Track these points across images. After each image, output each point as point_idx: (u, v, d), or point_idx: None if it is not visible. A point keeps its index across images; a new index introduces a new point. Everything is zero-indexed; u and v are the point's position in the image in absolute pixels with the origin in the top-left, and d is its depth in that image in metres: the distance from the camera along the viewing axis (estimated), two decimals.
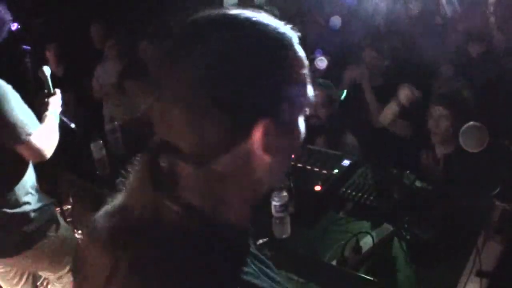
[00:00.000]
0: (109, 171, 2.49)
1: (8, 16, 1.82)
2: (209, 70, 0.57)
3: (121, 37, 3.96)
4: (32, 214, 1.92)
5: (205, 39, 0.59)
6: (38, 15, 4.35)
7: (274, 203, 1.82)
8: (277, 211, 1.84)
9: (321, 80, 2.87)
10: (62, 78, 4.01)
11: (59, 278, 2.17)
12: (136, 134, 3.01)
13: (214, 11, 0.63)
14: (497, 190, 2.09)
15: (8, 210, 1.86)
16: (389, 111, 2.85)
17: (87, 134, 2.54)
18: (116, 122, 2.71)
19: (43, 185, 2.09)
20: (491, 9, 3.79)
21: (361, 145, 2.82)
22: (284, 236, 1.87)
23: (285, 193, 1.83)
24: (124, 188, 0.67)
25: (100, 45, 4.28)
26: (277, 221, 1.86)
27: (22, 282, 2.13)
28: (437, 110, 2.40)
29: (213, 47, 0.58)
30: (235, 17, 0.62)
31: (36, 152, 1.78)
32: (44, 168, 2.08)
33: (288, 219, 1.88)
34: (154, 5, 4.69)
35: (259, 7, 0.70)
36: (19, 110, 1.72)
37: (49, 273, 2.15)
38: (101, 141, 2.48)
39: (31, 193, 1.94)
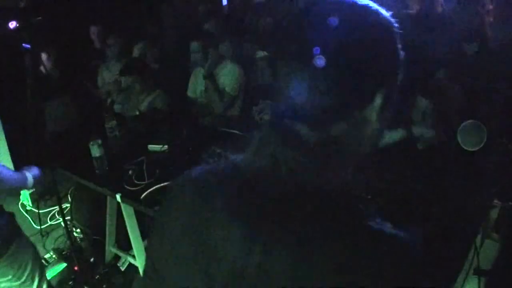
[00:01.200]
0: (107, 169, 2.49)
1: None
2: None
3: (120, 37, 3.97)
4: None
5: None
6: (37, 14, 4.34)
7: None
8: None
9: None
10: (59, 78, 4.01)
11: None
12: (135, 132, 3.02)
13: None
14: (496, 189, 2.09)
15: None
16: None
17: (86, 133, 2.54)
18: (115, 121, 2.70)
19: None
20: (487, 7, 3.79)
21: None
22: None
23: None
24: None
25: (99, 45, 4.28)
26: None
27: None
28: (426, 108, 2.38)
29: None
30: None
31: None
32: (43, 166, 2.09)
33: None
34: (152, 7, 4.70)
35: None
36: None
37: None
38: (100, 140, 2.47)
39: None
